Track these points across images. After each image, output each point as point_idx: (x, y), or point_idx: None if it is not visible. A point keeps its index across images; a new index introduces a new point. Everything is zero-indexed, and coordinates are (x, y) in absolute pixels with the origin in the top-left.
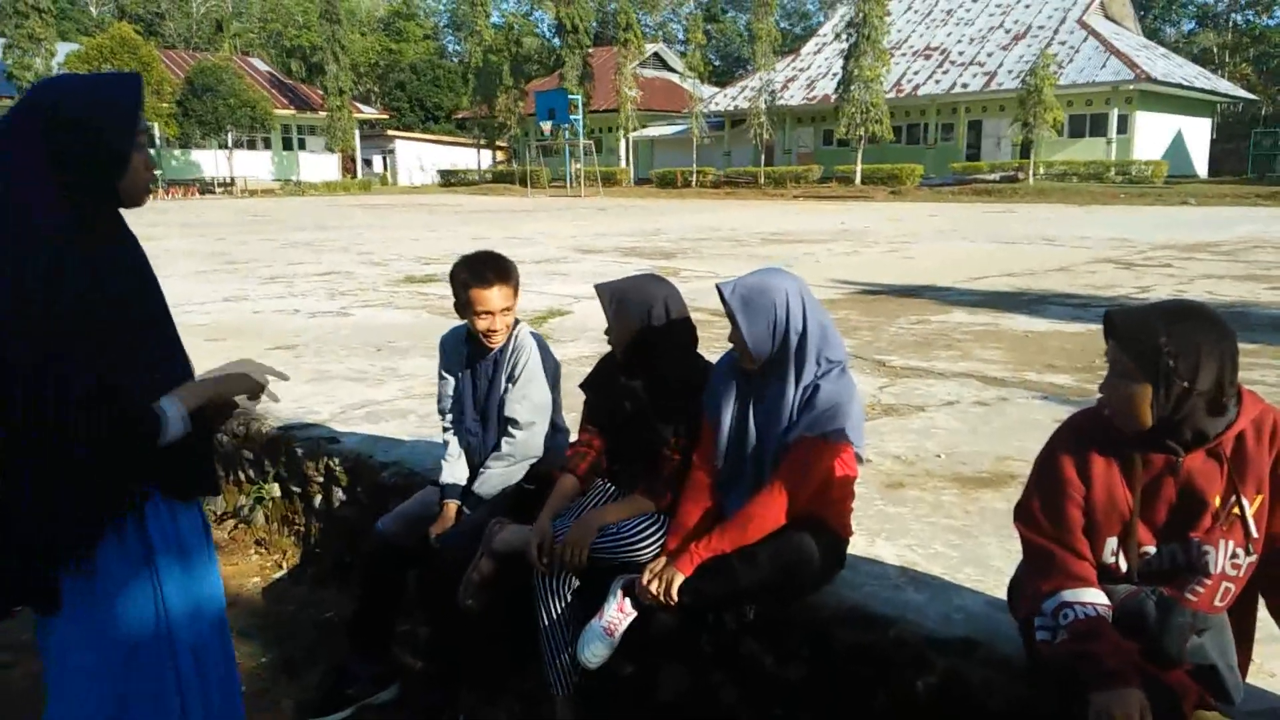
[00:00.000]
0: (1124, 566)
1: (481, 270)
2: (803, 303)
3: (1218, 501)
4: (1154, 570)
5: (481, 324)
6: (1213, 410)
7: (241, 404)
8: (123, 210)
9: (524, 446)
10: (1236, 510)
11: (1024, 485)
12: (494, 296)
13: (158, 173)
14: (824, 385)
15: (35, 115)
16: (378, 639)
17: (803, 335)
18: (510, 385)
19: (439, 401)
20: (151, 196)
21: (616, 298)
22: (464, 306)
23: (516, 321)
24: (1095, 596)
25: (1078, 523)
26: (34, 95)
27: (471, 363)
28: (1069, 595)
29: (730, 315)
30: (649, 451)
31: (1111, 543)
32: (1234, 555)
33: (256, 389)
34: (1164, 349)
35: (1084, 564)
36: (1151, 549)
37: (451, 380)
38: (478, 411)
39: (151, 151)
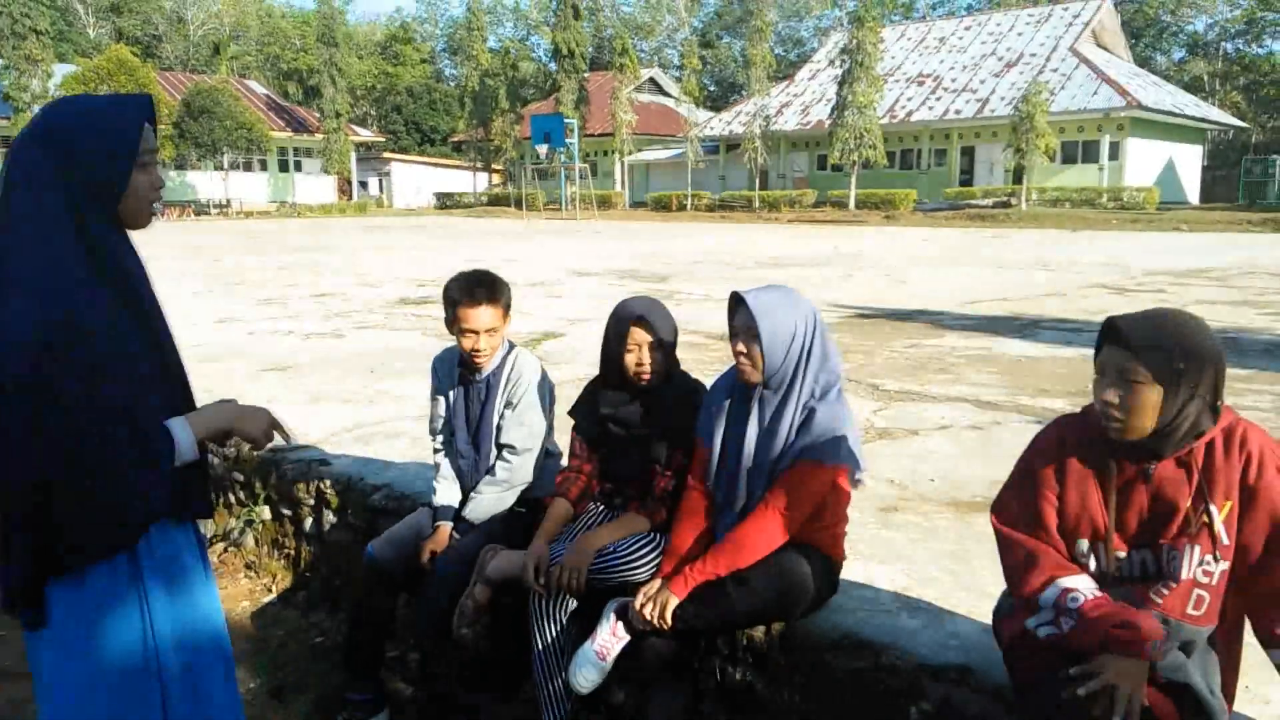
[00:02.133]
0: (1094, 569)
1: (472, 288)
2: (816, 322)
3: (1187, 508)
4: (1124, 576)
5: (467, 343)
6: (1209, 414)
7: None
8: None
9: (518, 472)
10: (1205, 518)
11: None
12: (481, 316)
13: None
14: (820, 408)
15: (41, 135)
16: (368, 664)
17: (809, 355)
18: (508, 410)
19: (431, 423)
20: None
21: (656, 308)
22: (452, 323)
23: (511, 345)
24: (1090, 581)
25: (1053, 522)
26: (43, 115)
27: (464, 385)
28: (1067, 582)
29: (747, 326)
30: (643, 473)
31: (1082, 545)
32: (1203, 562)
33: (267, 432)
34: (1175, 351)
35: (1065, 558)
36: (1122, 554)
37: (443, 402)
38: (470, 434)
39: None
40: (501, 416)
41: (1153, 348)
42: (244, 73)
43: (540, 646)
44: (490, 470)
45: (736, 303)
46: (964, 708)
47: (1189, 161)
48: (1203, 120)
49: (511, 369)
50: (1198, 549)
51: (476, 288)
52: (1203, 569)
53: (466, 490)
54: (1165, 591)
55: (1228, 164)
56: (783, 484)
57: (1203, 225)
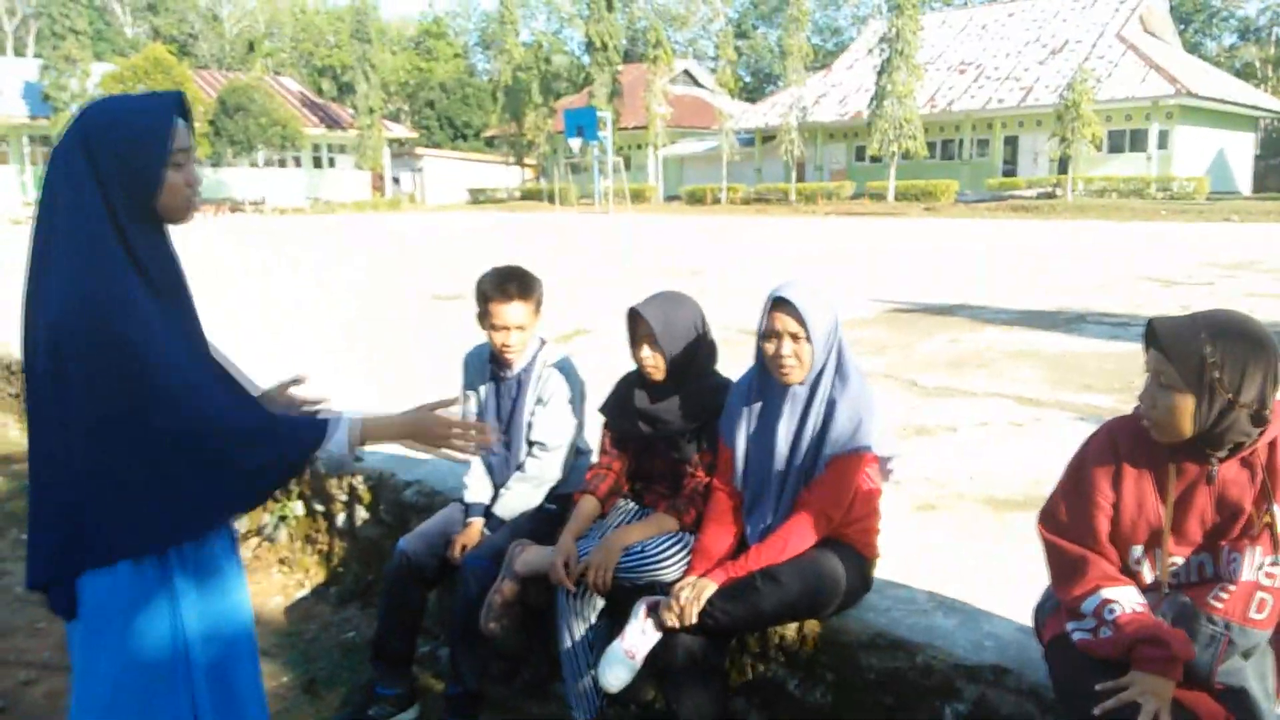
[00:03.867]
0: (1149, 576)
1: (504, 284)
2: (837, 312)
3: (1251, 509)
4: (1181, 582)
5: (498, 338)
6: (1255, 422)
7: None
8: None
9: (548, 469)
10: (1269, 518)
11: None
12: (512, 312)
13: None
14: (840, 400)
15: (79, 137)
16: (399, 659)
17: (837, 348)
18: (540, 408)
19: (461, 419)
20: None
21: (662, 318)
22: (483, 317)
23: (542, 342)
24: (1136, 594)
25: (1105, 531)
26: (80, 118)
27: (495, 381)
28: (1110, 593)
29: (794, 328)
30: (673, 471)
31: (1135, 550)
32: (1264, 564)
33: (440, 443)
34: (1209, 360)
35: (1116, 567)
36: (1180, 559)
37: (474, 398)
38: (501, 431)
39: (199, 169)
40: (532, 413)
41: (1184, 353)
42: (278, 70)
43: (569, 643)
44: (520, 467)
45: (776, 303)
46: (999, 708)
47: (1240, 150)
48: (1255, 107)
49: (543, 365)
50: (1259, 550)
51: (508, 283)
52: (1264, 571)
53: (497, 486)
54: (1225, 595)
55: None
56: (820, 483)
57: (1254, 216)
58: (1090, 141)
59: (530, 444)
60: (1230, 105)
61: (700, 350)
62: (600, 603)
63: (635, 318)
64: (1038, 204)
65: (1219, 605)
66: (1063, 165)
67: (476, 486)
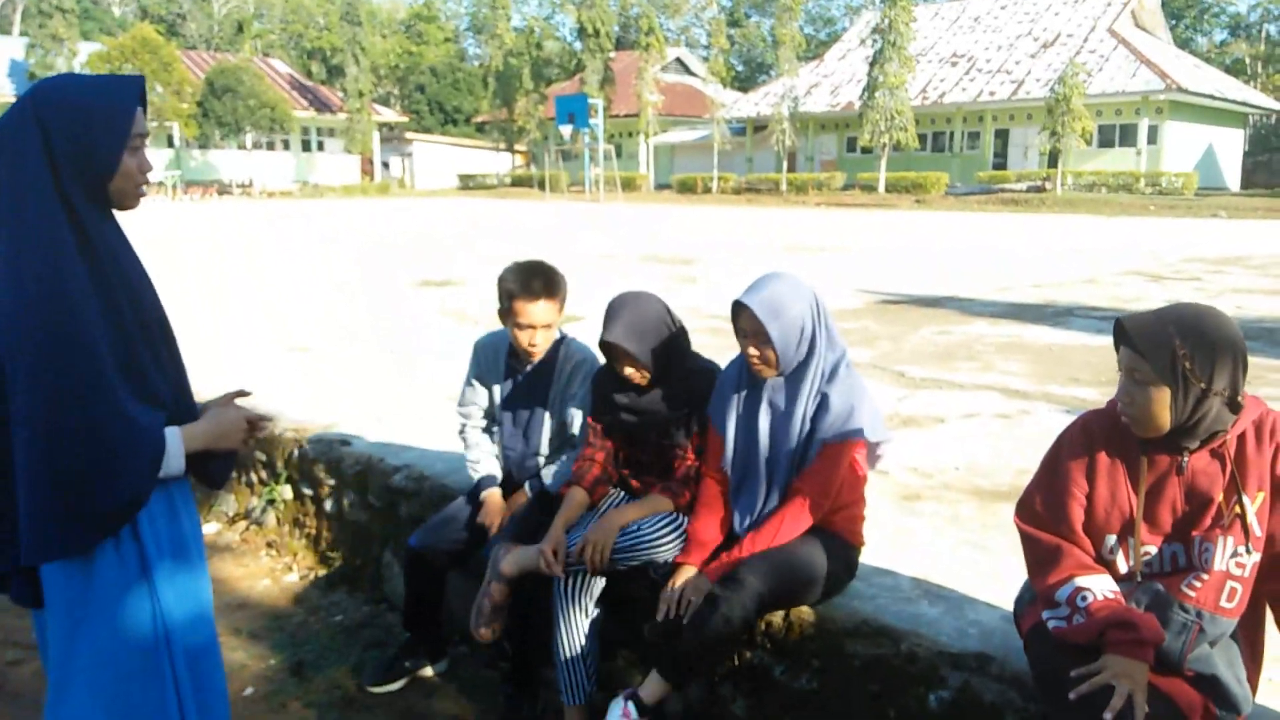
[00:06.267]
0: (1123, 566)
1: (529, 281)
2: (819, 307)
3: (1220, 500)
4: (1154, 571)
5: (523, 337)
6: (1231, 409)
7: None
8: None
9: None
10: (1238, 509)
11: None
12: (538, 311)
13: (176, 174)
14: (832, 391)
15: (31, 114)
16: (429, 621)
17: (815, 341)
18: (570, 403)
19: (462, 404)
20: (170, 199)
21: (633, 334)
22: (506, 314)
23: (563, 335)
24: (1108, 582)
25: (1079, 521)
26: (32, 94)
27: (511, 375)
28: (1083, 581)
29: (755, 329)
30: (662, 458)
31: (1109, 540)
32: (1236, 554)
33: (245, 439)
34: (1180, 352)
35: (1090, 557)
36: (1153, 548)
37: (483, 390)
38: (517, 426)
39: (170, 154)
40: (562, 409)
41: (1158, 348)
42: (267, 51)
43: (563, 629)
44: (535, 460)
45: (739, 307)
46: (983, 695)
47: (1229, 146)
48: (1244, 104)
49: (566, 360)
50: (1230, 540)
51: (533, 281)
52: (1235, 561)
53: (512, 482)
54: (1197, 584)
55: (1269, 149)
56: (811, 473)
57: (1242, 212)
58: (1080, 136)
59: (565, 440)
60: (1220, 101)
61: (674, 342)
62: (597, 589)
63: (608, 347)
64: (1027, 197)
65: (1191, 594)
66: (1053, 159)
67: (486, 464)
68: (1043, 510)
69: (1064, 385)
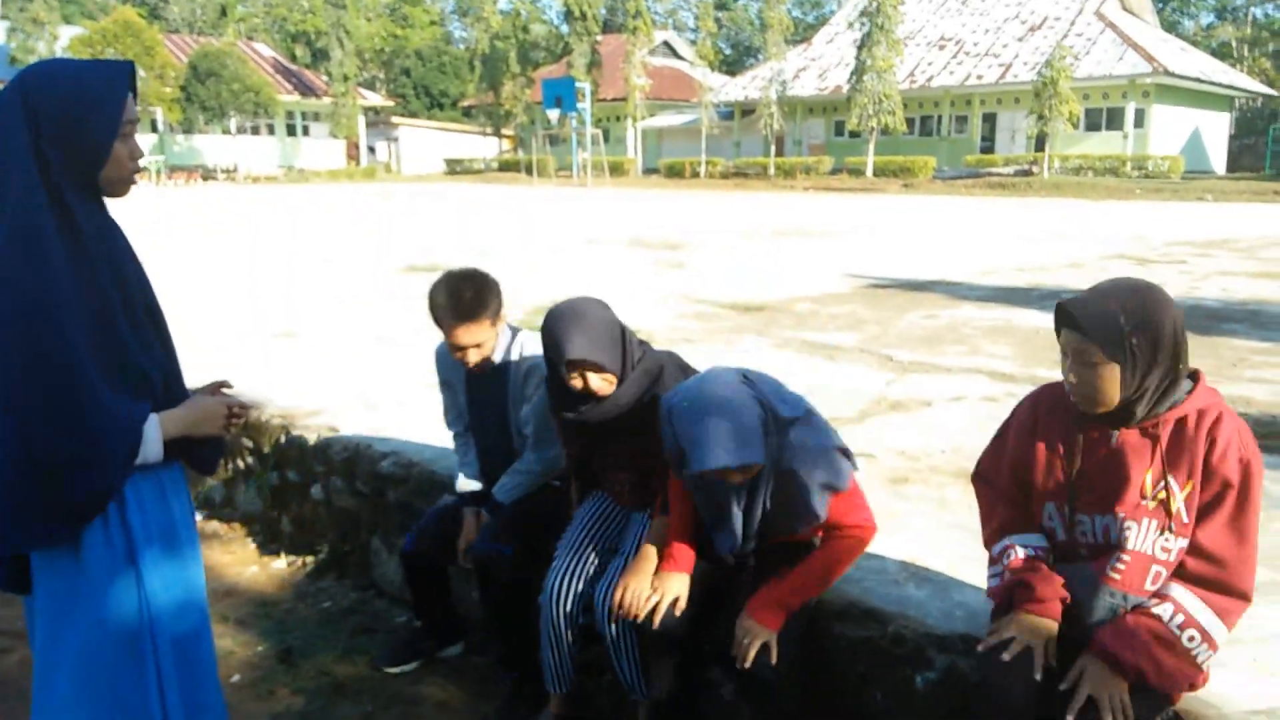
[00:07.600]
0: (1061, 535)
1: (455, 304)
2: (756, 388)
3: (1147, 480)
4: (1090, 542)
5: (455, 354)
6: (1174, 379)
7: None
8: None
9: (542, 463)
10: (1164, 493)
11: None
12: (466, 334)
13: (160, 158)
14: (800, 468)
15: (20, 100)
16: (438, 611)
17: (776, 420)
18: (526, 406)
19: (444, 413)
20: (153, 184)
21: (588, 344)
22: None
23: (514, 332)
24: (1035, 540)
25: (1016, 483)
26: (22, 79)
27: (469, 377)
28: (1012, 539)
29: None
30: (630, 456)
31: (1049, 508)
32: (1161, 537)
33: (226, 425)
34: (1125, 329)
35: (1027, 515)
36: (1085, 518)
37: (451, 393)
38: (488, 426)
39: (153, 138)
40: (520, 411)
41: (1102, 327)
42: (251, 35)
43: (553, 615)
44: (520, 459)
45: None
46: (969, 677)
47: (1216, 130)
48: (1230, 87)
49: (520, 358)
50: (1154, 523)
51: (459, 301)
52: (1161, 546)
53: (491, 476)
54: (1121, 567)
55: (1255, 132)
56: (827, 548)
57: (1228, 195)
58: (1067, 119)
59: (525, 438)
60: (1207, 85)
61: (627, 336)
62: (590, 571)
63: (573, 364)
64: (1014, 181)
65: (1116, 577)
66: (1040, 143)
67: (463, 479)
68: (988, 471)
69: (1050, 368)
